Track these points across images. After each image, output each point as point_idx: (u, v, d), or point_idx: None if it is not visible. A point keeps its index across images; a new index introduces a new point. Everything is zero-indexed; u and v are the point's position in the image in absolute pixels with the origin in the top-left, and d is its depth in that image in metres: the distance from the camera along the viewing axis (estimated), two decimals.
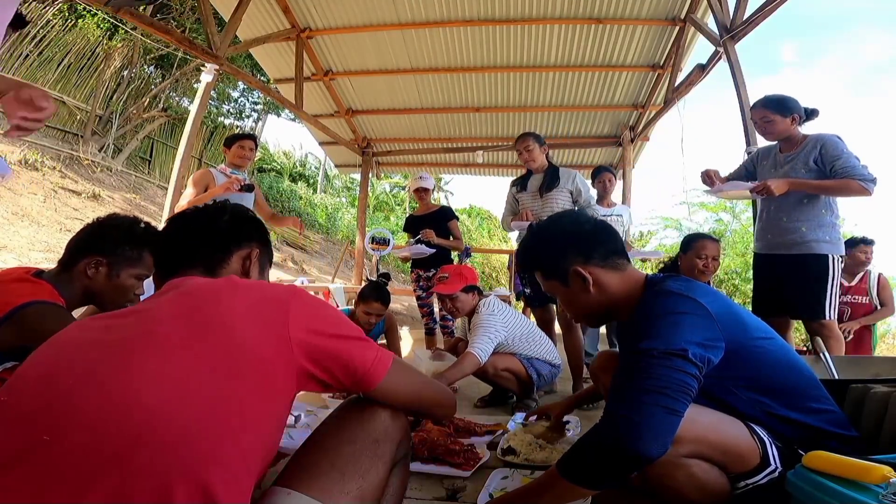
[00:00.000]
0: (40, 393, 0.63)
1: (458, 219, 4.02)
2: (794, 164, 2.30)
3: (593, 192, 3.17)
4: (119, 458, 0.57)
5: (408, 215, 4.28)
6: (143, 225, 1.42)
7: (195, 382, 0.64)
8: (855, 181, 2.12)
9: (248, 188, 2.96)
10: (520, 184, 3.05)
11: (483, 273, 11.28)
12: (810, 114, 2.35)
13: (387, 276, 4.41)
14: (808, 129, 2.39)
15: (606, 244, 1.23)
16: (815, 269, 2.25)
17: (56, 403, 0.61)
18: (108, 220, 1.39)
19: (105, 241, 1.33)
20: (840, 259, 2.28)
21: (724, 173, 2.59)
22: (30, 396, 0.63)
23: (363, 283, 6.69)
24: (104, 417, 0.59)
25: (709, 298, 1.07)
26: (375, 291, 2.87)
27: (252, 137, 3.16)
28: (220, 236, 0.94)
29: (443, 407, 1.01)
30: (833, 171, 2.18)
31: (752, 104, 2.47)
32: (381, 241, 5.01)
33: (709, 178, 2.51)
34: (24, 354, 1.09)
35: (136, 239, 1.37)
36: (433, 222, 3.83)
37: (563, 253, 1.21)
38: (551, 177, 2.94)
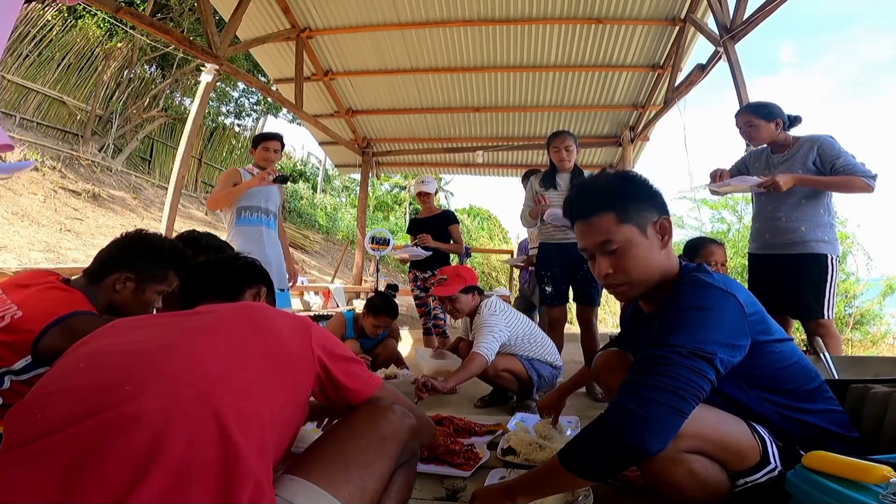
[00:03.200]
0: (125, 357, 0.76)
1: (459, 223, 4.02)
2: (790, 165, 2.31)
3: None
4: (203, 398, 0.71)
5: (412, 218, 4.25)
6: (168, 243, 1.48)
7: (245, 361, 0.80)
8: (858, 178, 2.14)
9: (283, 179, 2.89)
10: (548, 182, 2.95)
11: (483, 273, 11.28)
12: (793, 120, 2.39)
13: (395, 288, 4.42)
14: (796, 131, 2.41)
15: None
16: (814, 268, 2.27)
17: (140, 364, 0.75)
18: (136, 237, 1.44)
19: (135, 259, 1.39)
20: (837, 259, 2.29)
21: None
22: (113, 361, 0.76)
23: (363, 283, 6.70)
24: (184, 375, 0.74)
25: (744, 295, 1.05)
26: (387, 306, 2.95)
27: (277, 137, 3.03)
28: (236, 277, 1.20)
29: (425, 431, 1.12)
30: (834, 170, 2.20)
31: (736, 111, 2.49)
32: (381, 242, 5.01)
33: (719, 178, 2.52)
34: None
35: (164, 258, 1.43)
36: (435, 225, 3.85)
37: (651, 200, 1.11)
38: (579, 176, 2.90)
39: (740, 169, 2.58)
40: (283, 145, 3.06)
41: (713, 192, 2.67)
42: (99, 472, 0.62)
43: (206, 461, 0.66)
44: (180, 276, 1.49)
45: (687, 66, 4.57)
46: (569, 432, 1.91)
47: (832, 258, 2.27)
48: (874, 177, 2.15)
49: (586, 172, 2.98)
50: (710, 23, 3.73)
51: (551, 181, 2.93)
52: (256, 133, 13.81)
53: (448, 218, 3.97)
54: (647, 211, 1.10)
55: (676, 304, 1.04)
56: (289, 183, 2.97)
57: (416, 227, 3.98)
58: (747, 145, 2.98)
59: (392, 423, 0.93)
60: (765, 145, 2.45)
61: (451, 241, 3.88)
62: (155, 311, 1.53)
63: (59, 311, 1.19)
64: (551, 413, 1.80)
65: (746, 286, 2.61)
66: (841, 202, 2.43)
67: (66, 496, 0.60)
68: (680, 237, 9.01)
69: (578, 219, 1.14)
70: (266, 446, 0.74)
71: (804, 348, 2.51)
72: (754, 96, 3.19)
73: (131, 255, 1.39)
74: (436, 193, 4.07)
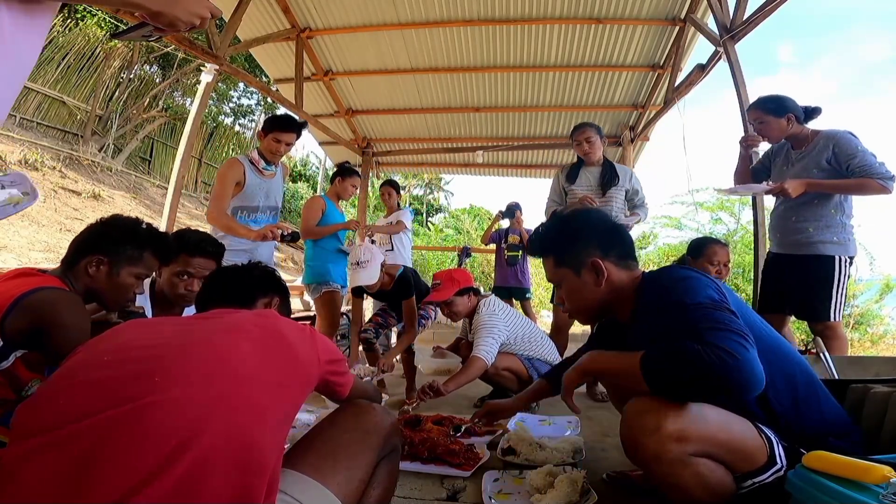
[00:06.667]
0: (153, 350, 0.79)
1: (413, 296, 2.79)
2: (805, 164, 2.25)
3: (647, 192, 2.94)
4: (230, 393, 0.74)
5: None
6: (144, 226, 1.43)
7: (263, 364, 0.83)
8: (874, 180, 2.06)
9: (294, 237, 2.50)
10: (572, 176, 2.85)
11: (483, 273, 11.28)
12: (811, 112, 2.29)
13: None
14: (817, 124, 2.31)
15: (625, 244, 1.29)
16: (820, 270, 2.20)
17: (169, 356, 0.77)
18: (110, 220, 1.40)
19: (106, 241, 1.35)
20: (849, 260, 2.21)
21: (729, 173, 2.62)
22: (141, 354, 0.78)
23: (352, 254, 6.59)
24: (212, 369, 0.77)
25: (709, 277, 1.15)
26: (351, 168, 3.45)
27: (295, 129, 2.60)
28: (249, 286, 1.23)
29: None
30: (850, 171, 2.11)
31: (748, 107, 2.45)
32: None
33: (749, 141, 2.54)
34: (33, 340, 1.14)
35: (138, 239, 1.39)
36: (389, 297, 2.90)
37: (585, 243, 1.26)
38: (610, 173, 2.79)
39: (765, 165, 2.53)
40: (299, 135, 2.64)
41: (727, 193, 2.65)
42: (128, 456, 0.64)
43: (230, 453, 0.69)
44: (160, 259, 1.46)
45: (687, 66, 4.57)
46: (568, 433, 1.91)
47: (842, 259, 2.19)
48: (892, 178, 2.06)
49: (595, 170, 2.85)
50: (710, 23, 3.72)
51: (574, 176, 2.86)
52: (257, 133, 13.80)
53: (405, 286, 2.79)
54: (582, 254, 1.26)
55: (652, 292, 1.15)
56: (295, 240, 2.61)
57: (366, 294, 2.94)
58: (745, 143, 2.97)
59: (374, 419, 1.03)
60: (783, 140, 2.37)
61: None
62: (137, 298, 1.49)
63: (20, 292, 1.15)
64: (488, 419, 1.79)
65: (751, 285, 2.62)
66: (854, 202, 2.36)
67: (92, 479, 0.62)
68: (679, 238, 9.03)
69: (537, 257, 1.38)
70: (279, 444, 0.80)
71: (805, 348, 2.50)
72: (754, 96, 3.18)
73: (103, 237, 1.35)
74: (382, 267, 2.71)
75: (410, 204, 20.27)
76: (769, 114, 2.28)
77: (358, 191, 2.95)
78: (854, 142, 2.14)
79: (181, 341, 0.81)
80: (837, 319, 2.19)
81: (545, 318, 7.94)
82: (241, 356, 0.81)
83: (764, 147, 2.59)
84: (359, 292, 2.89)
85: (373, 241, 3.82)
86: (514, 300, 4.78)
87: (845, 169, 2.13)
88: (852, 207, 2.25)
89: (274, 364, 0.85)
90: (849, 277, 2.22)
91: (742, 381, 0.91)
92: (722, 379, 0.92)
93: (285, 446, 0.93)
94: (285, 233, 2.42)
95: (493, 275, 5.41)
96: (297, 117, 2.75)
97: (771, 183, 2.29)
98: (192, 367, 0.76)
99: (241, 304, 1.16)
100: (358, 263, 2.62)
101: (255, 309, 1.20)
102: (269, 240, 2.42)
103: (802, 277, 2.26)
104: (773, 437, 1.03)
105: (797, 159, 2.30)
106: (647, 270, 1.29)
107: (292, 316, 1.40)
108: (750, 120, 2.39)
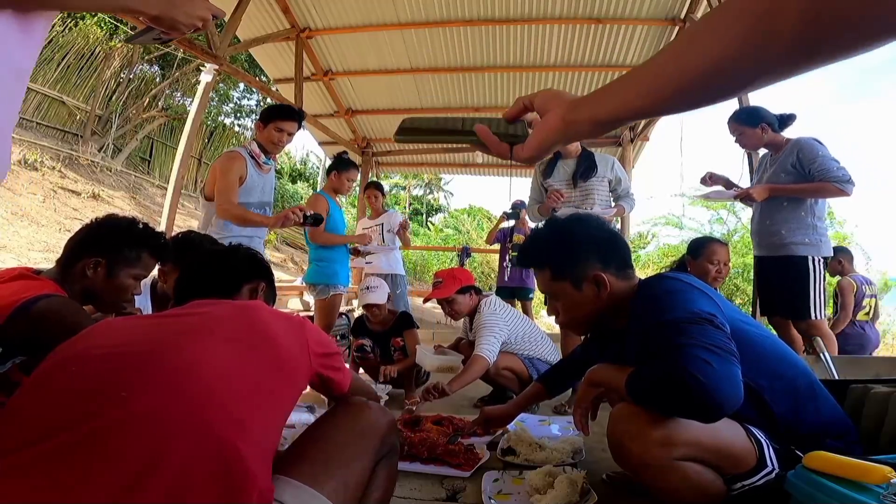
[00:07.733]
0: (114, 360, 0.73)
1: (417, 327, 2.90)
2: (776, 169, 2.41)
3: (632, 182, 2.86)
4: (199, 405, 0.68)
5: (358, 319, 3.02)
6: (141, 226, 1.41)
7: (243, 366, 0.78)
8: (831, 183, 2.21)
9: (316, 220, 2.43)
10: (549, 170, 2.71)
11: (483, 273, 11.29)
12: (785, 120, 2.43)
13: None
14: (793, 132, 2.48)
15: (624, 254, 1.24)
16: (795, 270, 2.33)
17: (131, 367, 0.71)
18: (106, 221, 1.38)
19: (103, 242, 1.33)
20: (823, 260, 2.34)
21: (727, 174, 2.73)
22: (102, 366, 0.72)
23: (362, 282, 6.62)
24: (178, 380, 0.70)
25: (702, 286, 1.13)
26: (349, 161, 3.29)
27: (296, 117, 2.50)
28: (233, 272, 1.15)
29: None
30: (810, 174, 2.27)
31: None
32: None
33: (709, 179, 2.66)
34: (34, 348, 1.10)
35: (135, 239, 1.37)
36: (386, 337, 2.87)
37: (585, 256, 1.21)
38: (587, 163, 2.62)
39: (756, 172, 2.69)
40: (300, 125, 2.54)
41: (701, 198, 2.83)
42: (89, 483, 0.59)
43: (206, 471, 0.64)
44: (158, 259, 1.44)
45: None
46: (571, 433, 1.91)
47: (814, 259, 2.32)
48: (849, 181, 2.20)
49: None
50: None
51: (551, 170, 2.73)
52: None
53: (403, 323, 2.85)
54: (584, 266, 1.20)
55: (644, 303, 1.12)
56: (320, 224, 2.55)
57: (367, 335, 2.89)
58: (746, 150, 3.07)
59: (369, 419, 0.97)
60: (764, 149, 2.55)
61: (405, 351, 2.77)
62: (136, 299, 1.48)
63: (25, 297, 1.12)
64: (491, 428, 1.77)
65: (751, 286, 2.72)
66: (839, 203, 2.47)
67: None
68: (679, 238, 9.04)
69: (528, 268, 1.28)
70: (267, 452, 0.74)
71: (804, 349, 2.52)
72: (754, 97, 3.20)
73: (100, 238, 1.32)
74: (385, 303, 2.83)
75: (410, 204, 20.30)
76: (744, 124, 2.43)
77: (357, 187, 2.89)
78: (816, 148, 2.29)
79: (148, 347, 0.75)
80: (819, 317, 2.31)
81: (545, 318, 7.95)
82: (215, 361, 0.75)
83: (763, 150, 2.70)
84: (361, 332, 2.93)
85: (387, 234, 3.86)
86: (516, 300, 4.74)
87: (807, 172, 2.28)
88: (824, 210, 2.39)
89: (253, 366, 0.79)
90: (825, 278, 2.36)
91: (709, 403, 0.88)
92: (692, 405, 0.90)
93: (284, 445, 0.91)
94: (307, 214, 2.34)
95: (492, 275, 5.39)
96: (295, 107, 2.79)
97: (738, 188, 2.45)
98: (159, 377, 0.70)
99: (225, 294, 1.07)
100: (368, 288, 2.79)
101: (239, 297, 1.13)
102: (289, 221, 2.33)
103: (781, 278, 2.39)
104: (763, 440, 1.02)
105: (770, 165, 2.46)
106: (641, 278, 1.26)
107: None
108: (730, 132, 2.53)
